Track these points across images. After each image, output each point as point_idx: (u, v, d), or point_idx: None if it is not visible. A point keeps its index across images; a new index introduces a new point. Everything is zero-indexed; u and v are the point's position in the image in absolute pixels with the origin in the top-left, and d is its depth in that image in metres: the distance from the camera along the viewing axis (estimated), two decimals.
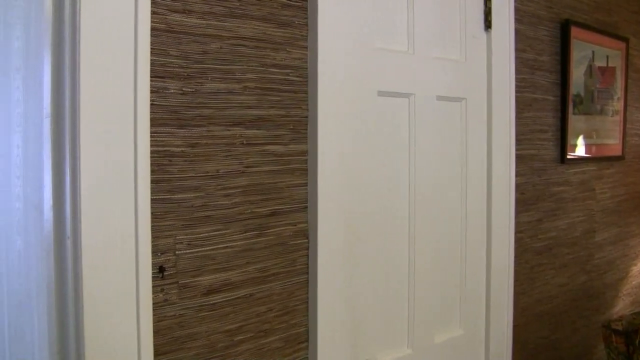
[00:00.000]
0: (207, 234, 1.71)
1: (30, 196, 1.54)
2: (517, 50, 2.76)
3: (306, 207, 1.96)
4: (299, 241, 1.94)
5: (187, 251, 1.66)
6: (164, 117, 1.60)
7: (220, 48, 1.72)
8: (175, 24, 1.61)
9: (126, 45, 1.48)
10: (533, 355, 3.11)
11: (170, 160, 1.62)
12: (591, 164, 3.48)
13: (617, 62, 3.64)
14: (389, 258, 2.26)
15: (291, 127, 1.90)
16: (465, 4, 2.50)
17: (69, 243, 1.42)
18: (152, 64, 1.54)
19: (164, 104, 1.60)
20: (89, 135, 1.41)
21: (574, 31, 3.18)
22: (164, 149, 1.60)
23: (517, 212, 2.84)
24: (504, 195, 2.71)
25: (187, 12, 1.64)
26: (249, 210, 1.81)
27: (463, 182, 2.55)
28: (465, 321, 2.61)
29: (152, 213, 1.55)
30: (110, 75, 1.45)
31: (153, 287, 1.57)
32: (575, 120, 3.25)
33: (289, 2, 1.89)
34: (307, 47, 1.94)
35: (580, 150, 3.34)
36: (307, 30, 1.94)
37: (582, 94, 3.31)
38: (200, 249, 1.69)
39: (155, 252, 1.58)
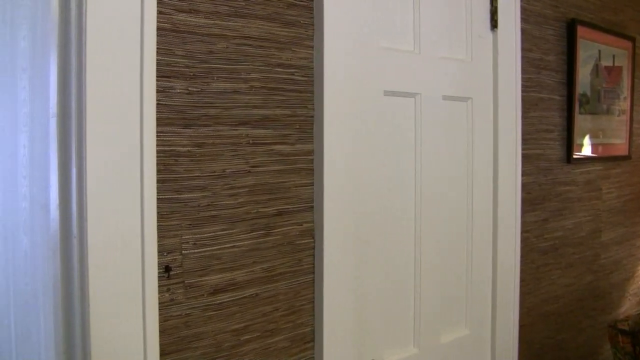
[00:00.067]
0: (213, 234, 1.71)
1: (37, 196, 1.54)
2: (523, 49, 2.76)
3: (312, 206, 1.96)
4: (305, 241, 1.94)
5: (193, 251, 1.66)
6: (170, 116, 1.60)
7: (226, 48, 1.72)
8: (181, 24, 1.61)
9: (132, 45, 1.48)
10: (539, 355, 3.10)
11: (176, 160, 1.62)
12: (597, 163, 3.47)
13: (623, 62, 3.63)
14: (395, 257, 2.26)
15: (297, 126, 1.90)
16: (471, 4, 2.50)
17: (75, 242, 1.42)
18: (158, 64, 1.55)
19: (170, 103, 1.60)
20: (95, 135, 1.41)
21: (580, 30, 3.17)
22: (170, 148, 1.60)
23: (523, 212, 2.84)
24: (510, 194, 2.71)
25: (192, 11, 1.64)
26: (255, 210, 1.81)
27: (469, 181, 2.55)
28: (471, 321, 2.60)
29: (158, 213, 1.55)
30: (117, 75, 1.45)
31: (159, 286, 1.57)
32: (581, 120, 3.24)
33: (294, 1, 1.89)
34: (312, 47, 1.94)
35: (586, 150, 3.33)
36: (313, 29, 1.93)
37: (589, 93, 3.31)
38: (207, 249, 1.69)
39: (161, 251, 1.58)
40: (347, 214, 2.01)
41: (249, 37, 1.77)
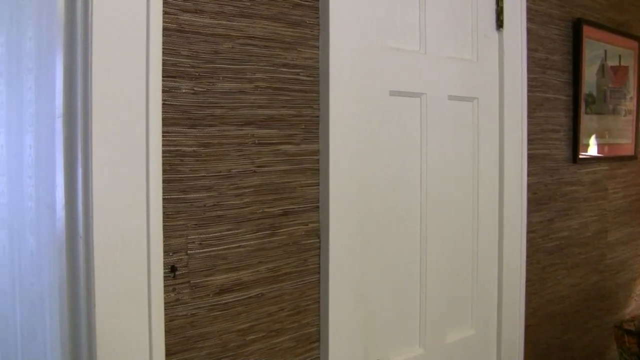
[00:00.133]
0: (219, 234, 1.71)
1: (43, 195, 1.55)
2: (529, 49, 2.76)
3: (318, 206, 1.96)
4: (310, 241, 1.94)
5: (199, 251, 1.67)
6: (176, 116, 1.60)
7: (231, 48, 1.72)
8: (186, 24, 1.62)
9: (138, 45, 1.48)
10: (545, 356, 3.10)
11: (182, 160, 1.62)
12: (603, 163, 3.47)
13: (629, 62, 3.62)
14: (401, 257, 2.26)
15: (303, 126, 1.90)
16: (477, 4, 2.50)
17: (81, 242, 1.42)
18: (163, 64, 1.55)
19: (175, 103, 1.60)
20: (101, 135, 1.41)
21: (586, 30, 3.16)
22: (176, 148, 1.60)
23: (529, 212, 2.83)
24: (516, 194, 2.71)
25: (198, 12, 1.64)
26: (261, 210, 1.81)
27: (475, 181, 2.55)
28: (477, 321, 2.60)
29: (163, 212, 1.56)
30: (122, 75, 1.45)
31: (165, 286, 1.57)
32: (587, 120, 3.24)
33: (299, 1, 1.89)
34: (318, 47, 1.94)
35: (592, 150, 3.33)
36: (319, 29, 1.93)
37: (595, 93, 3.30)
38: (212, 249, 1.69)
39: (167, 251, 1.58)
40: (353, 214, 2.01)
41: (254, 37, 1.77)
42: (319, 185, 1.95)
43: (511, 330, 2.73)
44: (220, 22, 1.69)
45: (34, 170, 1.59)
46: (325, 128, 1.93)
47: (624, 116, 3.61)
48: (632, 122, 3.69)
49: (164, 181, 1.56)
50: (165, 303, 1.57)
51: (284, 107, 1.85)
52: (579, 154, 3.17)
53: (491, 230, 2.63)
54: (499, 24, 2.58)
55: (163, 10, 1.54)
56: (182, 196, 1.62)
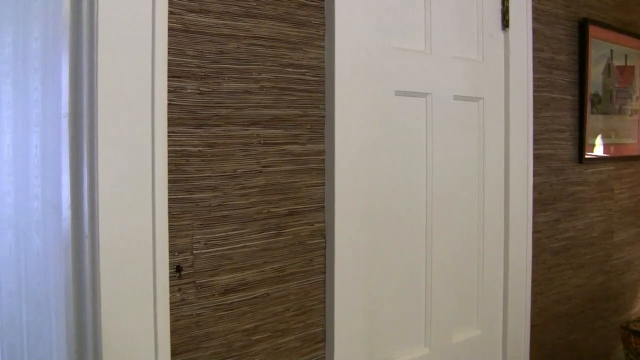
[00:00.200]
0: (224, 234, 1.71)
1: (49, 195, 1.55)
2: (534, 49, 2.75)
3: (323, 206, 1.96)
4: (316, 241, 1.94)
5: (205, 251, 1.67)
6: (182, 116, 1.60)
7: (237, 48, 1.72)
8: (192, 24, 1.62)
9: (144, 45, 1.48)
10: (551, 356, 3.09)
11: (187, 160, 1.62)
12: (609, 163, 3.46)
13: (635, 61, 3.62)
14: (406, 257, 2.26)
15: (308, 126, 1.90)
16: (482, 4, 2.49)
17: (86, 242, 1.42)
18: (169, 64, 1.55)
19: (181, 103, 1.60)
20: (107, 134, 1.42)
21: (592, 30, 3.16)
22: (182, 148, 1.61)
23: (535, 212, 2.83)
24: (522, 195, 2.70)
25: (203, 12, 1.64)
26: (267, 210, 1.81)
27: (480, 181, 2.54)
28: (483, 321, 2.60)
29: (169, 212, 1.56)
30: (128, 75, 1.46)
31: (170, 286, 1.57)
32: (593, 120, 3.23)
33: (305, 1, 1.89)
34: (323, 47, 1.94)
35: (598, 150, 3.32)
36: (324, 29, 1.93)
37: (601, 93, 3.30)
38: (218, 249, 1.69)
39: (172, 251, 1.59)
40: (358, 214, 2.01)
41: (259, 37, 1.77)
42: (324, 185, 1.95)
43: (517, 331, 2.73)
44: (225, 22, 1.69)
45: (40, 170, 1.60)
46: (330, 128, 1.93)
47: (630, 116, 3.60)
48: (638, 122, 3.68)
49: (169, 181, 1.56)
50: (170, 303, 1.57)
51: (289, 107, 1.85)
52: (584, 154, 3.16)
53: (497, 230, 2.63)
54: (505, 23, 2.58)
55: (169, 10, 1.54)
56: (188, 196, 1.63)
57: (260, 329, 1.81)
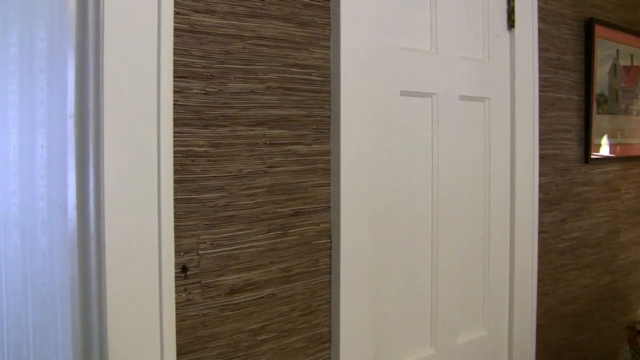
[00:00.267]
0: (230, 234, 1.71)
1: (55, 196, 1.55)
2: (540, 49, 2.75)
3: (329, 207, 1.96)
4: (322, 241, 1.94)
5: (210, 251, 1.67)
6: (187, 117, 1.60)
7: (243, 48, 1.72)
8: (197, 24, 1.62)
9: (149, 46, 1.49)
10: (557, 357, 3.09)
11: (193, 160, 1.62)
12: (615, 163, 3.45)
13: None
14: (412, 258, 2.26)
15: (314, 127, 1.90)
16: (488, 3, 2.49)
17: (92, 242, 1.42)
18: (175, 64, 1.55)
19: (187, 104, 1.60)
20: (113, 135, 1.42)
21: (598, 30, 3.15)
22: (187, 148, 1.61)
23: (541, 212, 2.83)
24: (528, 195, 2.70)
25: (209, 12, 1.64)
26: (272, 210, 1.81)
27: (486, 182, 2.54)
28: (489, 322, 2.60)
29: (175, 213, 1.56)
30: (134, 75, 1.46)
31: (176, 286, 1.57)
32: (599, 120, 3.22)
33: (310, 1, 1.89)
34: (329, 47, 1.94)
35: (604, 150, 3.31)
36: (330, 29, 1.93)
37: (607, 93, 3.29)
38: (224, 249, 1.69)
39: (178, 251, 1.59)
40: (364, 214, 2.01)
41: (265, 37, 1.77)
42: (330, 185, 1.95)
43: (523, 331, 2.73)
44: (231, 22, 1.69)
45: (46, 171, 1.60)
46: (336, 128, 1.93)
47: (636, 116, 3.59)
48: None
49: (175, 181, 1.56)
50: (176, 303, 1.57)
51: (295, 107, 1.85)
52: (590, 154, 3.16)
53: (502, 230, 2.63)
54: (510, 23, 2.57)
55: (174, 11, 1.54)
56: (194, 196, 1.63)
57: (266, 329, 1.81)
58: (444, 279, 2.36)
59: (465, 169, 2.44)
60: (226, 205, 1.70)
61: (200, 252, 1.64)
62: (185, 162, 1.60)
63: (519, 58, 2.61)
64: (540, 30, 2.74)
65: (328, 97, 1.93)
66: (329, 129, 1.94)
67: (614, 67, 3.34)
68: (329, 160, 1.95)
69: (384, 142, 2.09)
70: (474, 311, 2.54)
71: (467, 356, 2.50)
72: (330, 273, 1.96)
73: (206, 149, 1.65)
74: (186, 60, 1.60)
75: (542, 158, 2.82)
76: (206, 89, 1.64)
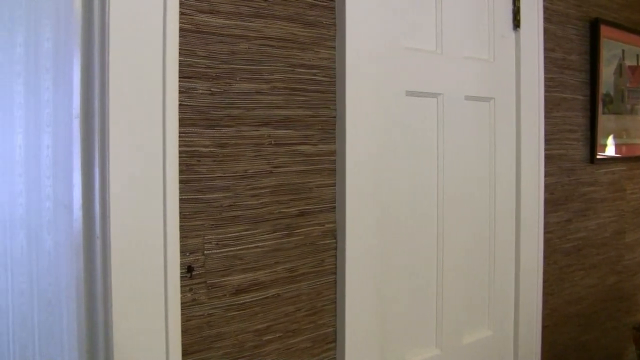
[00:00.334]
0: (235, 234, 1.71)
1: (60, 196, 1.55)
2: (546, 49, 2.74)
3: (334, 207, 1.95)
4: (327, 241, 1.94)
5: (216, 251, 1.67)
6: (193, 117, 1.60)
7: (248, 48, 1.72)
8: (202, 25, 1.62)
9: (155, 46, 1.49)
10: (562, 357, 3.08)
11: (198, 161, 1.62)
12: (621, 164, 3.45)
13: None
14: (417, 257, 2.26)
15: (319, 127, 1.90)
16: (493, 4, 2.49)
17: (98, 242, 1.43)
18: (180, 65, 1.55)
19: (192, 104, 1.60)
20: (118, 135, 1.42)
21: (604, 30, 3.15)
22: (193, 149, 1.61)
23: (546, 213, 2.82)
24: (533, 195, 2.70)
25: (214, 12, 1.64)
26: (278, 211, 1.81)
27: (492, 182, 2.54)
28: (494, 322, 2.59)
29: (180, 213, 1.56)
30: (139, 75, 1.46)
31: (181, 286, 1.57)
32: (605, 120, 3.22)
33: (315, 2, 1.88)
34: (334, 47, 1.94)
35: (610, 150, 3.31)
36: (335, 30, 1.93)
37: (612, 93, 3.28)
38: (229, 249, 1.69)
39: (183, 251, 1.59)
40: (369, 214, 2.01)
41: (270, 37, 1.77)
42: (335, 185, 1.95)
43: (528, 331, 2.72)
44: (236, 22, 1.69)
45: (52, 171, 1.60)
46: (342, 128, 1.93)
47: None
48: None
49: (180, 181, 1.56)
50: (182, 303, 1.57)
51: (300, 107, 1.85)
52: (596, 154, 3.15)
53: (508, 230, 2.63)
54: (516, 23, 2.57)
55: (179, 11, 1.54)
56: (199, 196, 1.63)
57: (271, 329, 1.81)
58: (449, 279, 2.36)
59: (470, 169, 2.44)
60: (232, 205, 1.70)
61: (205, 252, 1.64)
62: (190, 162, 1.60)
63: (525, 58, 2.61)
64: (545, 30, 2.74)
65: (333, 97, 1.93)
66: (334, 129, 1.94)
67: (620, 67, 3.33)
68: (335, 160, 1.95)
69: (390, 143, 2.09)
70: (479, 311, 2.54)
71: (472, 356, 2.50)
72: (335, 273, 1.96)
73: (212, 149, 1.65)
74: (191, 61, 1.60)
75: (548, 158, 2.81)
76: (211, 89, 1.64)
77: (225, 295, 1.69)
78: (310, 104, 1.87)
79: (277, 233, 1.81)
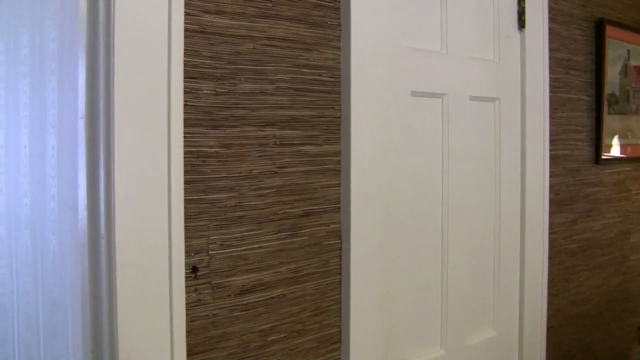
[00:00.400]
0: (240, 234, 1.71)
1: (65, 196, 1.56)
2: (551, 49, 2.74)
3: (339, 207, 1.95)
4: (332, 242, 1.94)
5: (221, 251, 1.67)
6: (198, 117, 1.60)
7: (253, 49, 1.72)
8: (208, 25, 1.62)
9: (160, 47, 1.49)
10: (567, 358, 3.08)
11: (203, 161, 1.62)
12: (626, 164, 3.44)
13: None
14: (422, 258, 2.26)
15: (324, 127, 1.90)
16: (498, 4, 2.49)
17: (102, 243, 1.43)
18: (185, 65, 1.55)
19: (197, 104, 1.60)
20: (123, 135, 1.42)
21: (609, 30, 3.14)
22: (198, 149, 1.61)
23: (551, 213, 2.82)
24: (538, 196, 2.69)
25: (219, 13, 1.64)
26: (282, 211, 1.81)
27: (497, 182, 2.54)
28: (499, 322, 2.59)
29: (185, 213, 1.56)
30: (144, 76, 1.46)
31: (186, 287, 1.57)
32: (610, 120, 3.21)
33: (320, 2, 1.88)
34: (339, 48, 1.94)
35: (615, 151, 3.30)
36: (340, 30, 1.93)
37: (617, 93, 3.28)
38: (234, 249, 1.70)
39: (188, 252, 1.59)
40: (374, 214, 2.01)
41: (275, 38, 1.77)
42: (340, 186, 1.95)
43: (533, 332, 2.72)
44: (241, 23, 1.69)
45: (57, 171, 1.60)
46: (346, 129, 1.93)
47: None
48: None
49: (185, 182, 1.56)
50: (186, 303, 1.57)
51: (305, 108, 1.85)
52: (601, 155, 3.15)
53: (513, 231, 2.62)
54: (521, 24, 2.57)
55: (184, 12, 1.54)
56: (204, 197, 1.63)
57: (276, 329, 1.81)
58: (454, 280, 2.36)
59: (475, 170, 2.43)
60: (236, 205, 1.70)
61: (210, 252, 1.64)
62: (195, 162, 1.60)
63: (530, 58, 2.61)
64: (550, 31, 2.73)
65: (338, 97, 1.93)
66: (339, 130, 1.94)
67: (625, 67, 3.33)
68: (339, 160, 1.95)
69: (395, 143, 2.09)
70: (484, 312, 2.54)
71: (477, 357, 2.49)
72: (340, 274, 1.96)
73: (216, 149, 1.65)
74: (196, 61, 1.60)
75: (553, 159, 2.81)
76: (216, 89, 1.64)
77: (230, 295, 1.69)
78: (315, 105, 1.87)
79: (282, 233, 1.81)
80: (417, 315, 2.25)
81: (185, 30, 1.55)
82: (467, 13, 2.36)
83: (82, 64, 1.44)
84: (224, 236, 1.67)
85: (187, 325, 1.57)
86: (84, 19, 1.43)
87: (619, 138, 3.32)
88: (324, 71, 1.90)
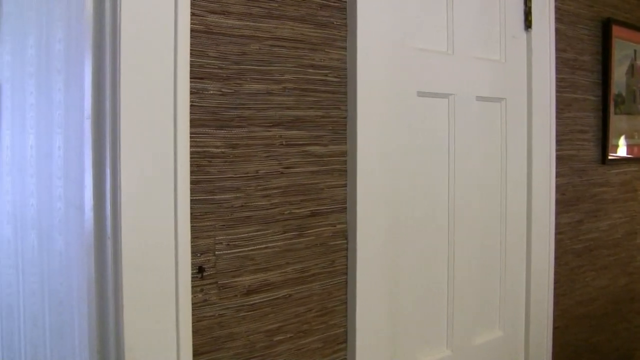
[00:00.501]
0: (246, 235, 1.71)
1: (71, 196, 1.56)
2: (557, 49, 2.74)
3: (345, 207, 1.95)
4: (338, 242, 1.94)
5: (227, 251, 1.67)
6: (204, 118, 1.60)
7: (259, 49, 1.72)
8: (213, 25, 1.62)
9: (166, 47, 1.49)
10: (573, 358, 3.07)
11: (209, 161, 1.62)
12: (633, 164, 3.43)
13: None
14: (429, 259, 2.25)
15: (330, 127, 1.90)
16: (505, 4, 2.48)
17: (109, 243, 1.43)
18: (191, 65, 1.55)
19: (203, 105, 1.60)
20: (130, 136, 1.42)
21: (616, 30, 3.14)
22: (204, 149, 1.61)
23: (557, 213, 2.81)
24: (544, 196, 2.69)
25: (225, 13, 1.64)
26: (289, 211, 1.81)
27: (503, 182, 2.53)
28: (505, 323, 2.59)
29: (191, 213, 1.56)
30: (151, 76, 1.46)
31: (192, 287, 1.58)
32: (616, 120, 3.21)
33: (326, 2, 1.88)
34: (345, 48, 1.94)
35: (621, 151, 3.29)
36: (346, 30, 1.93)
37: (624, 93, 3.27)
38: (240, 250, 1.70)
39: (194, 252, 1.59)
40: (380, 215, 2.01)
41: (281, 38, 1.77)
42: (346, 186, 1.95)
43: (539, 332, 2.72)
44: (247, 23, 1.69)
45: (63, 171, 1.61)
46: (352, 129, 1.93)
47: None
48: None
49: (191, 182, 1.56)
50: (192, 303, 1.57)
51: (311, 108, 1.85)
52: (608, 155, 3.14)
53: (519, 231, 2.62)
54: (527, 24, 2.56)
55: (190, 12, 1.54)
56: (210, 197, 1.63)
57: (282, 329, 1.81)
58: (460, 280, 2.35)
59: (482, 170, 2.43)
60: (242, 206, 1.70)
61: (216, 252, 1.64)
62: (201, 162, 1.60)
63: (536, 58, 2.60)
64: (557, 31, 2.73)
65: (344, 98, 1.93)
66: (345, 130, 1.94)
67: (632, 67, 3.32)
68: (346, 161, 1.94)
69: (401, 143, 2.09)
70: (490, 312, 2.53)
71: (483, 357, 2.49)
72: (346, 274, 1.96)
73: (223, 149, 1.65)
74: (202, 61, 1.60)
75: (559, 159, 2.80)
76: (222, 89, 1.64)
77: (236, 295, 1.69)
78: (321, 105, 1.87)
79: (288, 234, 1.81)
80: (423, 315, 2.25)
81: (191, 30, 1.55)
82: (473, 13, 2.36)
83: (89, 64, 1.44)
84: (230, 236, 1.67)
85: (193, 326, 1.57)
86: (90, 19, 1.44)
87: (626, 138, 3.31)
88: (330, 71, 1.89)
